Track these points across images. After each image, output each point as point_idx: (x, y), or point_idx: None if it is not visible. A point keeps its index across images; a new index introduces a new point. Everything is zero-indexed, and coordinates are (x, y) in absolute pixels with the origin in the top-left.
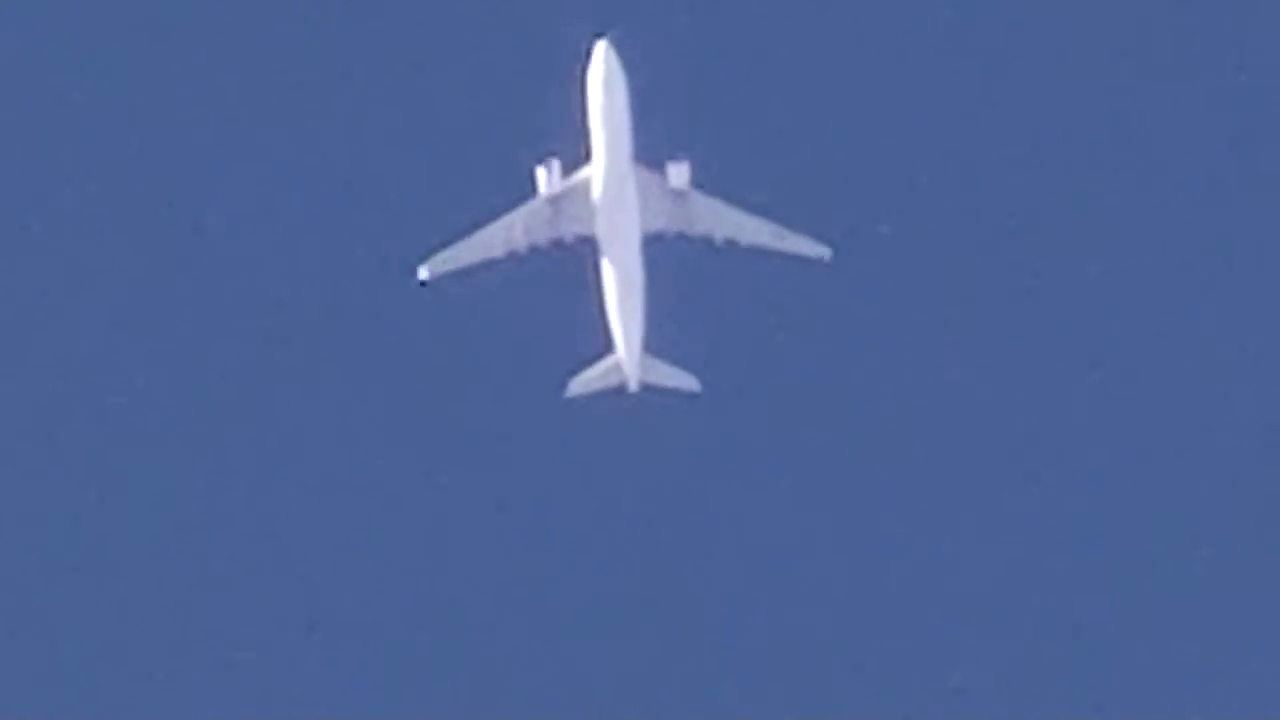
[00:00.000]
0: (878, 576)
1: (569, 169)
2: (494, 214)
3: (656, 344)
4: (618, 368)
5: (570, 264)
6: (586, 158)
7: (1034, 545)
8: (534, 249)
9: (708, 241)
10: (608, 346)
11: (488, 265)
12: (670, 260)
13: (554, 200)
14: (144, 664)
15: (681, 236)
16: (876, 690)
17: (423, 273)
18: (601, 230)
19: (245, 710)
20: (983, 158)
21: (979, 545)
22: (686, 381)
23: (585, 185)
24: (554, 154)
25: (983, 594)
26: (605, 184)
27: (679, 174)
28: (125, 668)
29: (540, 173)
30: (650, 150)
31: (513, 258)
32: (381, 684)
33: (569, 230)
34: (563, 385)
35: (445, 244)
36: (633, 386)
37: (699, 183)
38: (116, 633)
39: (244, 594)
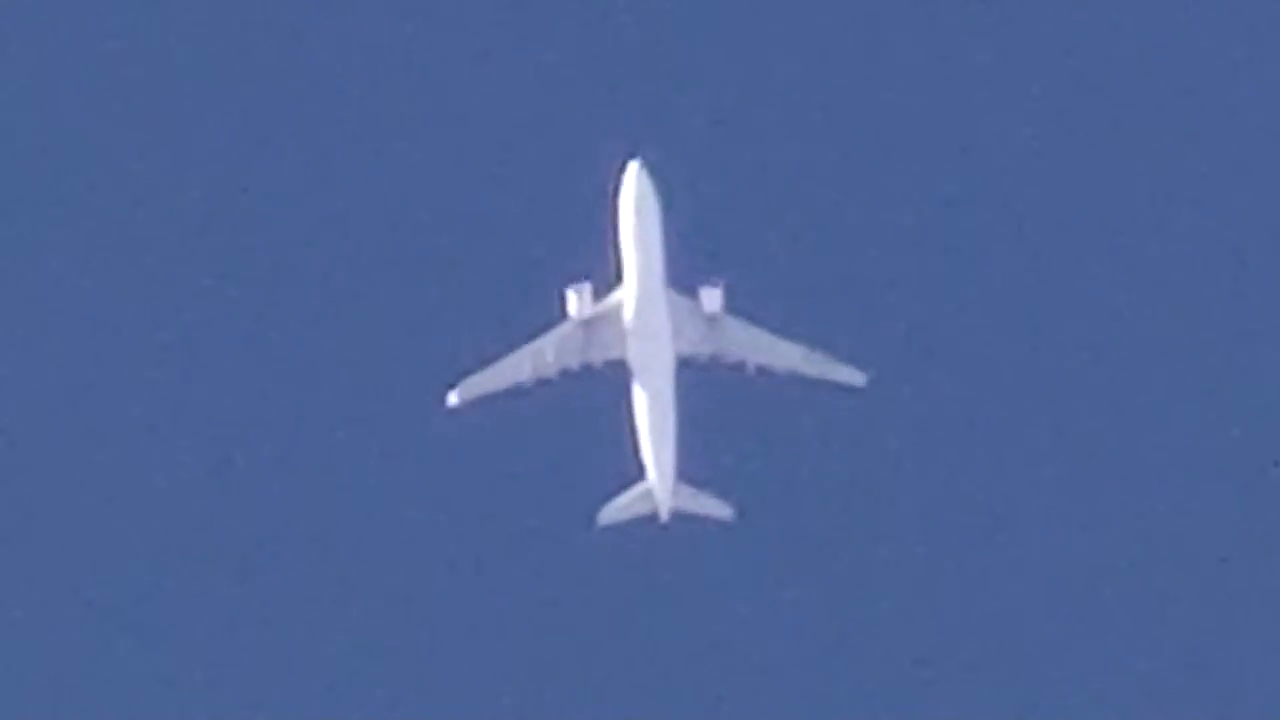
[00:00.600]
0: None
1: (600, 292)
2: (524, 338)
3: (689, 471)
4: (649, 495)
5: (601, 389)
6: (618, 280)
7: (1071, 668)
8: (564, 373)
9: (741, 367)
10: (639, 473)
11: (517, 390)
12: (703, 386)
13: (585, 324)
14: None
15: (714, 361)
16: None
17: (452, 398)
18: (633, 355)
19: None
20: (1026, 287)
21: (1020, 682)
22: (719, 509)
23: (617, 309)
24: (585, 277)
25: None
26: (637, 308)
27: (712, 298)
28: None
29: (571, 296)
30: (683, 274)
31: (542, 383)
32: None
33: (600, 355)
34: (594, 513)
35: (475, 369)
36: (664, 515)
37: (732, 307)
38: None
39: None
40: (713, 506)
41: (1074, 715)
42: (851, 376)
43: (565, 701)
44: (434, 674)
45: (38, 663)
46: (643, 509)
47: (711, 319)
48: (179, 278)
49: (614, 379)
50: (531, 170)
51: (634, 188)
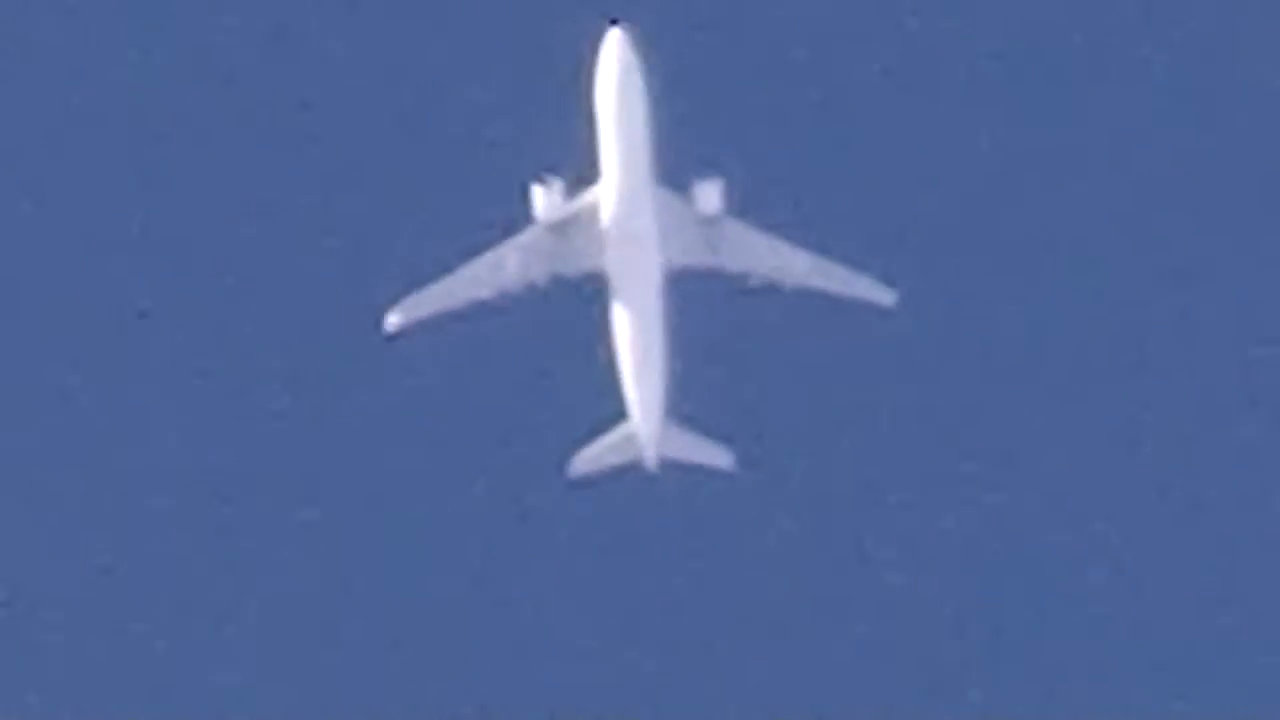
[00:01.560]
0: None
1: (573, 189)
2: (480, 246)
3: (681, 409)
4: (632, 439)
5: (574, 308)
6: (595, 175)
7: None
8: (530, 288)
9: (744, 280)
10: (620, 413)
11: (472, 309)
12: (698, 303)
13: (555, 227)
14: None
15: (712, 274)
16: None
17: (390, 320)
18: (613, 265)
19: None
20: (1079, 195)
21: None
22: (717, 456)
23: (594, 209)
24: (555, 170)
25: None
26: (618, 207)
27: (709, 196)
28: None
29: (538, 193)
30: (674, 167)
31: (503, 299)
32: None
33: (573, 265)
34: (565, 462)
35: (419, 284)
36: (651, 463)
37: (733, 208)
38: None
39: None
40: (709, 453)
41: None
42: (877, 293)
43: (537, 671)
44: (389, 649)
45: (38, 661)
46: (625, 456)
47: (708, 221)
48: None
49: (590, 295)
50: (491, 39)
51: (616, 60)
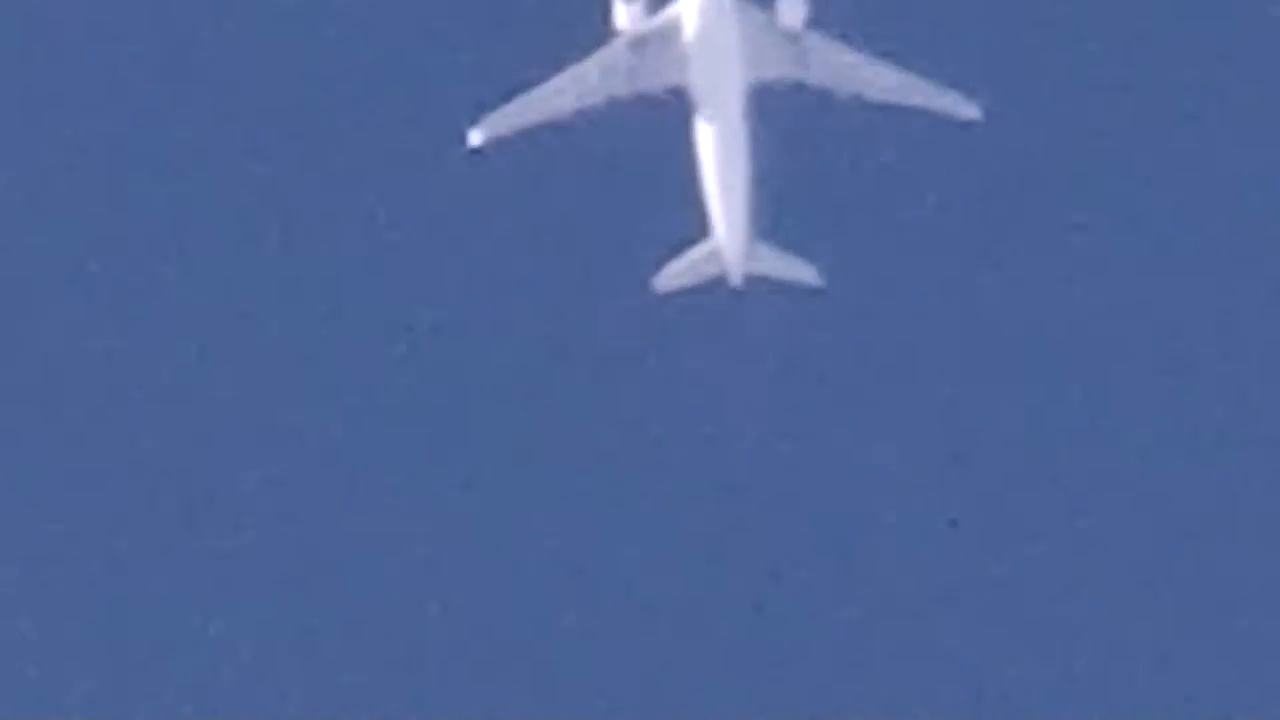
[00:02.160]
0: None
1: (656, 3)
2: (563, 61)
3: (766, 225)
4: (717, 255)
5: (657, 124)
6: None
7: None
8: (612, 104)
9: (829, 95)
10: (705, 228)
11: (555, 125)
12: (783, 118)
13: (637, 42)
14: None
15: (798, 88)
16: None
17: (475, 137)
18: (696, 80)
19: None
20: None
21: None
22: (803, 272)
23: (676, 23)
24: None
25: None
26: (701, 21)
27: (793, 10)
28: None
29: (620, 8)
30: None
31: (585, 115)
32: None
33: (655, 81)
34: (650, 277)
35: (502, 101)
36: (735, 279)
37: (818, 21)
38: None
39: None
40: (795, 269)
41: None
42: (963, 107)
43: (611, 487)
44: (452, 475)
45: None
46: (710, 271)
47: (792, 36)
48: None
49: (673, 111)
50: None
51: None
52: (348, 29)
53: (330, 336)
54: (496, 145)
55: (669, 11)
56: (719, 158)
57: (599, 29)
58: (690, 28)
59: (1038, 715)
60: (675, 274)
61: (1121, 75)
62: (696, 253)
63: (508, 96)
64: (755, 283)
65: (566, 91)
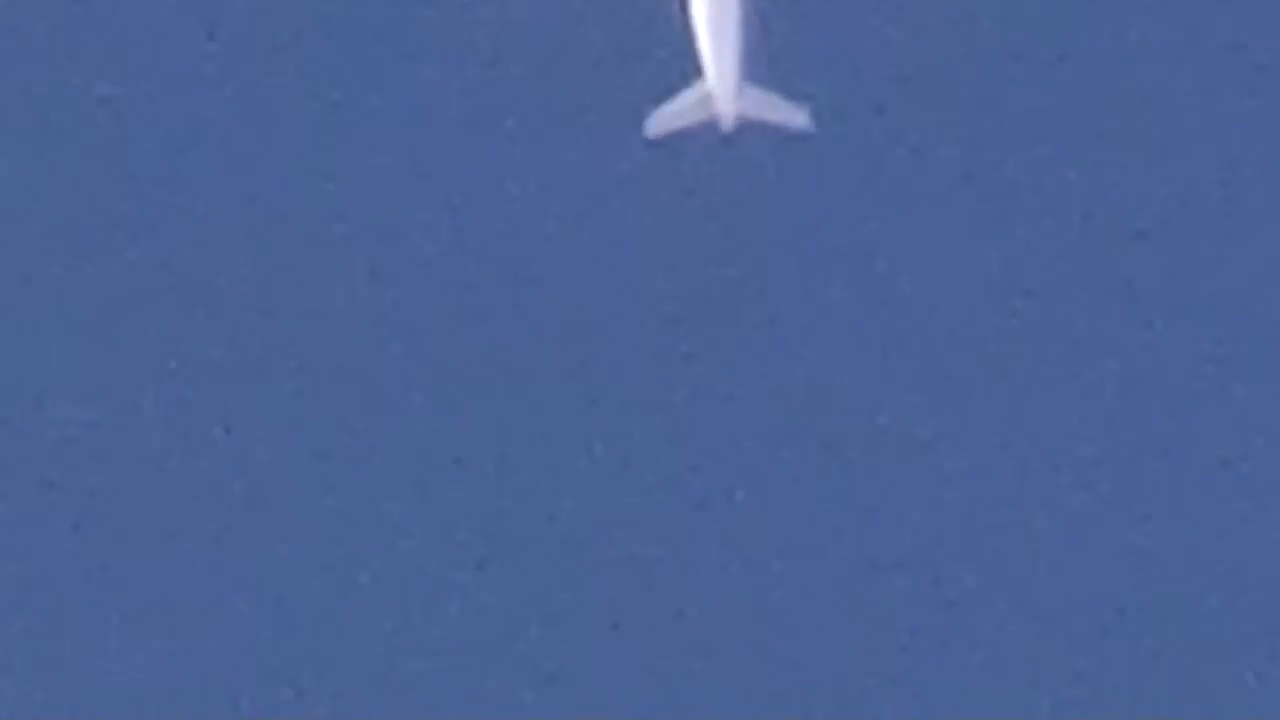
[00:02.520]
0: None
1: None
2: None
3: (756, 69)
4: (708, 98)
5: None
6: None
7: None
8: None
9: None
10: (695, 70)
11: None
12: None
13: None
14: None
15: None
16: None
17: None
18: None
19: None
20: None
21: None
22: (795, 116)
23: None
24: None
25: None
26: None
27: None
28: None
29: None
30: None
31: None
32: None
33: None
34: (641, 121)
35: None
36: (727, 123)
37: None
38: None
39: None
40: (786, 112)
41: None
42: None
43: (598, 346)
44: (446, 338)
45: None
46: (700, 115)
47: None
48: None
49: None
50: None
51: None
52: None
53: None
54: None
55: None
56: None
57: None
58: None
59: (1038, 715)
60: (667, 117)
61: None
62: (688, 96)
63: None
64: (746, 126)
65: None
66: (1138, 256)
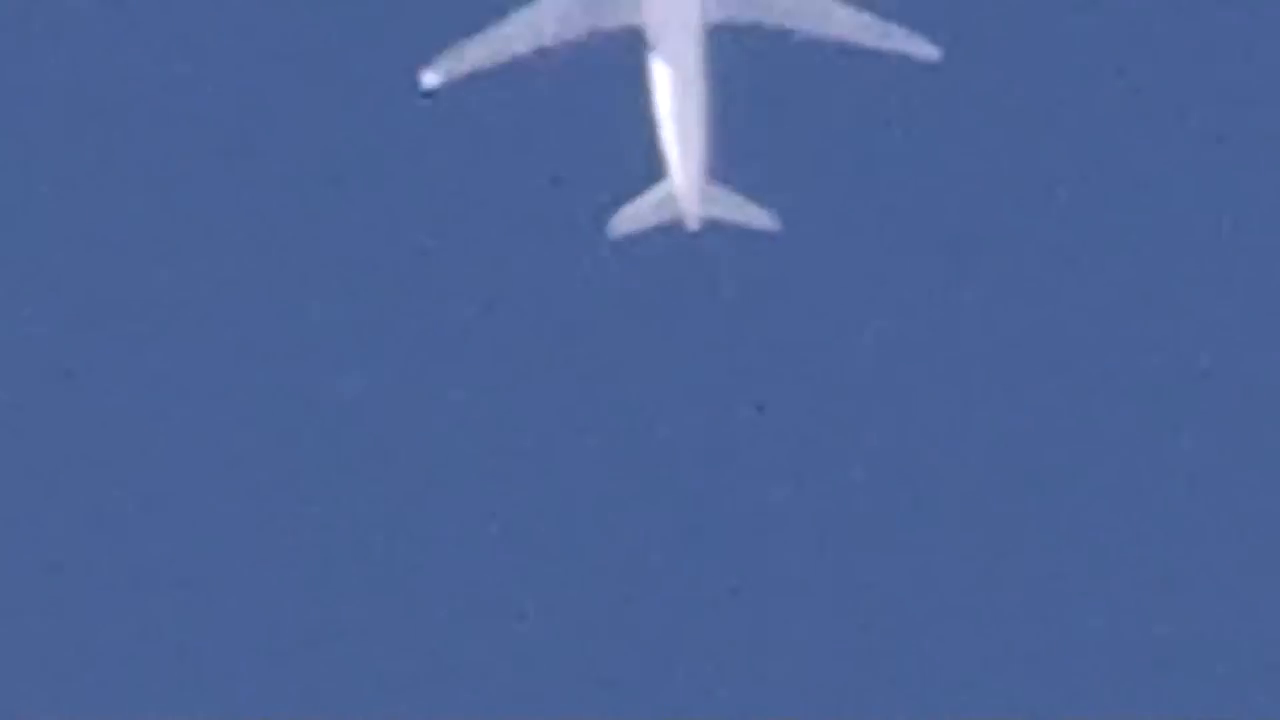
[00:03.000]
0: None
1: None
2: (516, 2)
3: (722, 169)
4: (673, 199)
5: (612, 63)
6: None
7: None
8: (566, 44)
9: (787, 36)
10: (660, 171)
11: (509, 66)
12: (740, 59)
13: None
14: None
15: (755, 28)
16: None
17: (428, 79)
18: (651, 19)
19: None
20: None
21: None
22: (759, 217)
23: None
24: None
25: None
26: None
27: None
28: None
29: None
30: None
31: (540, 56)
32: None
33: (610, 19)
34: (605, 221)
35: (455, 41)
36: (692, 223)
37: None
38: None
39: None
40: (752, 214)
41: None
42: (923, 50)
43: (575, 427)
44: (412, 435)
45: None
46: (665, 215)
47: None
48: None
49: (629, 50)
50: None
51: None
52: None
53: (281, 287)
54: (450, 87)
55: None
56: (675, 99)
57: None
58: None
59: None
60: (631, 217)
61: (1083, 23)
62: (652, 196)
63: (459, 37)
64: (711, 226)
65: (521, 31)
66: (1106, 355)
